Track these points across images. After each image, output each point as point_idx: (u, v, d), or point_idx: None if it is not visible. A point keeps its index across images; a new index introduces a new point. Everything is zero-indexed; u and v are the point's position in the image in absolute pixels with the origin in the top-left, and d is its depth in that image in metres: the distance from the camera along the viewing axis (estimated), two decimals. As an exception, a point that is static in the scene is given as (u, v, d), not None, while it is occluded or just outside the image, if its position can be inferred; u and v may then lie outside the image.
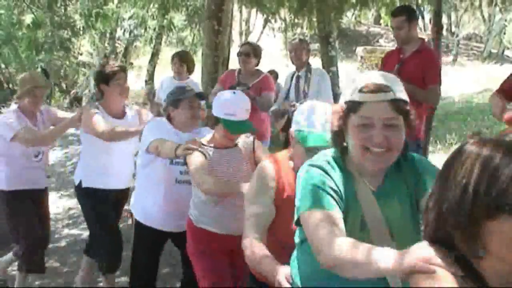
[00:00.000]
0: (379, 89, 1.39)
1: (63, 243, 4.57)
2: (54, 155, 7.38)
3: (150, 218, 2.89)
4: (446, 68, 11.89)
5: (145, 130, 2.83)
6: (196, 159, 2.44)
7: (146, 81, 14.32)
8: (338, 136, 1.50)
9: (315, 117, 1.90)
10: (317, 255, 1.31)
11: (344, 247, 1.23)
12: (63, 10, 8.66)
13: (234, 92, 2.61)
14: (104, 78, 3.20)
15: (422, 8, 16.47)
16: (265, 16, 11.93)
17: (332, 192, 1.41)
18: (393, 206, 1.47)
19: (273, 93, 4.38)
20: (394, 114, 1.40)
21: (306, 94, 4.30)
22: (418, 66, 3.58)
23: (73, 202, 5.67)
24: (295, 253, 1.68)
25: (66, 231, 4.73)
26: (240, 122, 2.50)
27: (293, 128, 1.97)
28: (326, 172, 1.45)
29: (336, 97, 5.51)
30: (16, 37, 9.80)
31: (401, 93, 1.42)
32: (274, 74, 7.43)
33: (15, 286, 3.47)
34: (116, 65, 3.31)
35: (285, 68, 10.37)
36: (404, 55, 3.74)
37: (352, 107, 1.43)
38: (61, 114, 3.75)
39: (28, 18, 8.79)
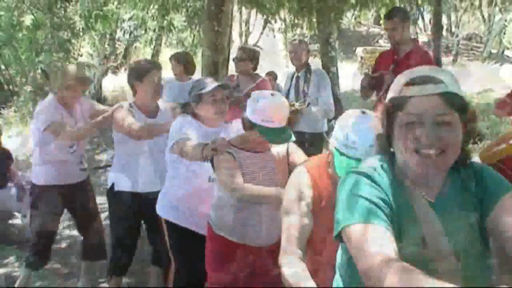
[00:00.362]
0: (428, 80, 1.20)
1: (63, 245, 4.56)
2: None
3: (184, 218, 2.70)
4: (446, 68, 11.87)
5: (171, 127, 2.66)
6: (225, 160, 2.28)
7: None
8: (385, 140, 1.30)
9: (357, 137, 1.68)
10: (365, 278, 1.10)
11: (399, 275, 1.02)
12: (63, 12, 8.66)
13: (272, 94, 2.35)
14: (137, 75, 3.08)
15: (422, 8, 16.51)
16: (265, 16, 11.95)
17: (382, 204, 1.19)
18: (456, 221, 1.24)
19: None
20: (447, 109, 1.18)
21: (305, 94, 4.34)
22: (412, 67, 3.63)
23: (74, 203, 5.66)
24: (338, 276, 1.46)
25: (67, 232, 4.71)
26: (279, 130, 2.27)
27: (332, 141, 1.81)
28: (374, 181, 1.24)
29: (336, 98, 5.52)
30: (16, 38, 9.79)
31: (455, 87, 1.21)
32: (273, 75, 7.47)
33: (15, 286, 3.47)
34: (150, 61, 3.19)
35: (285, 69, 10.38)
36: (398, 56, 3.81)
37: (398, 104, 1.23)
38: (99, 107, 3.64)
39: (28, 20, 8.79)
